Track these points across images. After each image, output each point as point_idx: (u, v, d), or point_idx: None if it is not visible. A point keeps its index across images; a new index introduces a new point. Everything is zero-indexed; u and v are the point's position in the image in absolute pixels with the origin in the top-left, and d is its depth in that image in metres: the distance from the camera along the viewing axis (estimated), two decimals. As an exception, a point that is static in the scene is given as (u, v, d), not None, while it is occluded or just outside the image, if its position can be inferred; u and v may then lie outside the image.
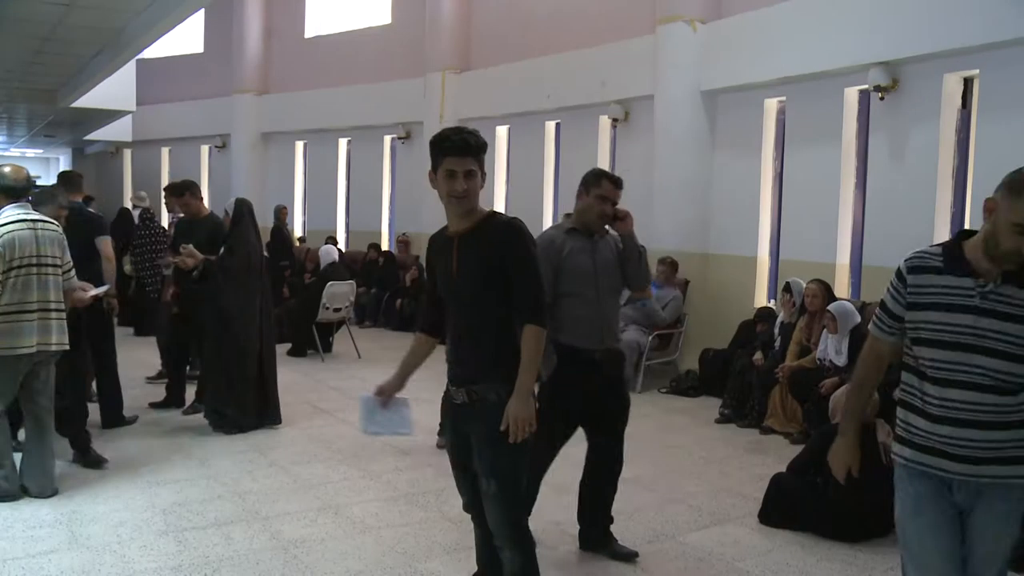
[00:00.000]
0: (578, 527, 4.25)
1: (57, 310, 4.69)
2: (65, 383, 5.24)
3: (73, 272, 4.90)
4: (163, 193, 8.44)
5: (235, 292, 6.12)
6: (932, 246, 2.56)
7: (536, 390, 3.96)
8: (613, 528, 4.23)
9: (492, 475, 2.93)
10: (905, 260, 2.56)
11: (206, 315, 6.25)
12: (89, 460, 5.29)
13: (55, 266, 4.70)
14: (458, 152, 2.86)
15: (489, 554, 3.21)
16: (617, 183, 4.05)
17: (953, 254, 2.48)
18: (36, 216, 4.74)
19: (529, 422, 2.86)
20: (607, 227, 4.09)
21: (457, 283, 2.96)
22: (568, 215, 4.17)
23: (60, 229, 4.85)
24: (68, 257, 4.85)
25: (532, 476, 4.00)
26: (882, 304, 2.62)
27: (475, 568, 3.38)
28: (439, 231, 3.11)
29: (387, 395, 3.18)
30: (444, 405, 3.29)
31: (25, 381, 4.69)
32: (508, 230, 2.92)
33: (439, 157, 2.90)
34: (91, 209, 7.50)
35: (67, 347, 4.78)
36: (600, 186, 4.00)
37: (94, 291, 5.36)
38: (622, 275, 4.10)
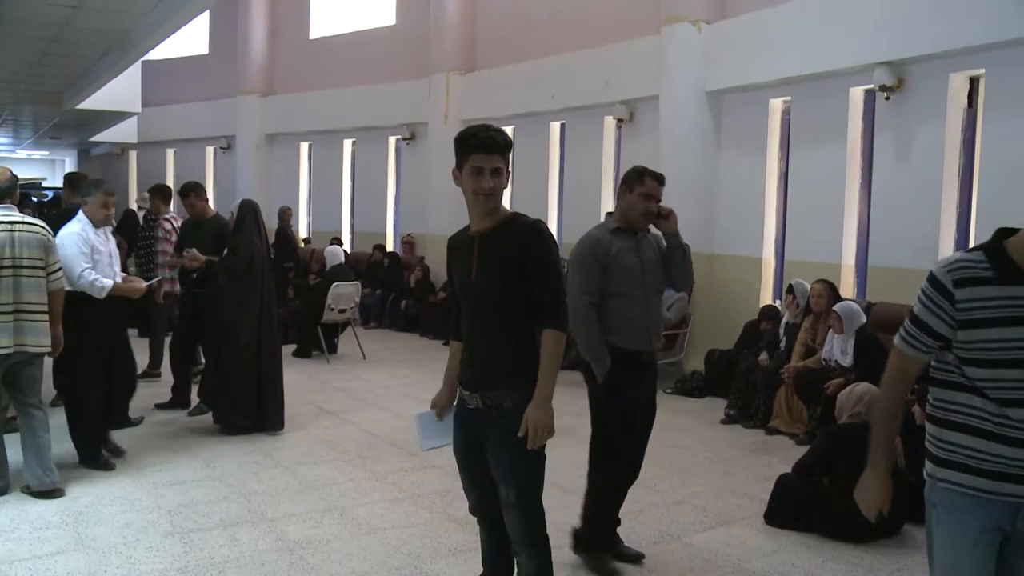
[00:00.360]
0: (583, 511, 4.20)
1: (36, 311, 4.69)
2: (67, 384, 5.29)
3: (61, 273, 4.89)
4: (148, 194, 8.38)
5: (235, 292, 6.13)
6: (970, 252, 2.25)
7: (589, 398, 3.92)
8: (619, 529, 4.22)
9: (510, 483, 2.90)
10: (947, 271, 2.22)
11: (206, 315, 6.26)
12: (98, 463, 5.30)
13: (33, 267, 4.70)
14: (485, 149, 2.82)
15: (495, 556, 3.20)
16: (660, 180, 3.95)
17: (1002, 260, 2.19)
18: (16, 217, 4.74)
19: (548, 428, 2.82)
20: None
21: (476, 284, 2.92)
22: (610, 214, 4.07)
23: (45, 231, 4.82)
24: (55, 258, 4.84)
25: (612, 483, 3.97)
26: (916, 321, 2.28)
27: (481, 570, 3.37)
28: (459, 232, 3.07)
29: (442, 407, 3.22)
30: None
31: (10, 381, 4.72)
32: (530, 231, 2.88)
33: (465, 154, 2.85)
34: None
35: (47, 349, 4.78)
36: (644, 184, 3.90)
37: (145, 283, 5.44)
38: (665, 274, 4.02)
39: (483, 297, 2.93)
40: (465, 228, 3.03)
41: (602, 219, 4.20)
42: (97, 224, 5.29)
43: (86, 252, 5.13)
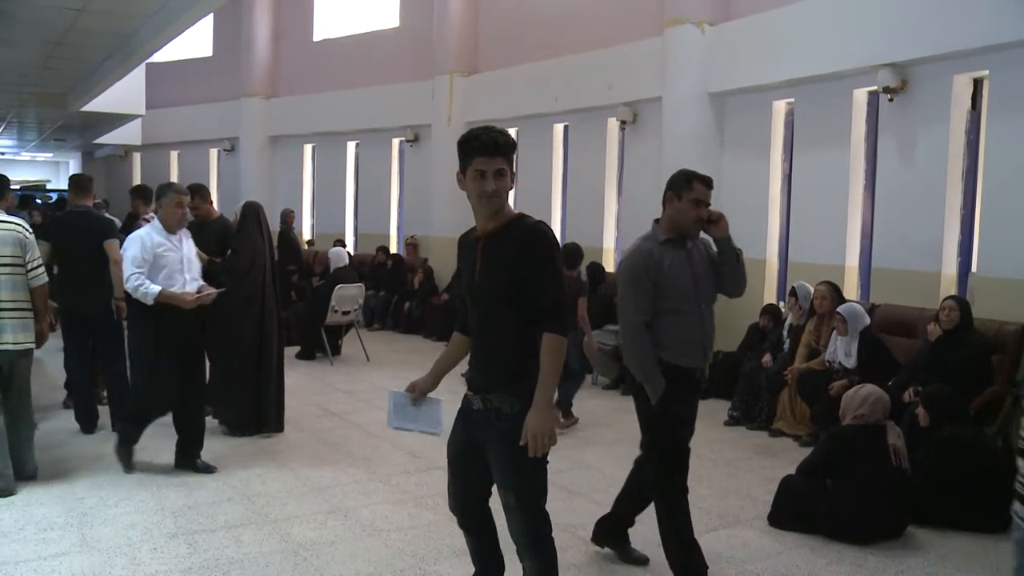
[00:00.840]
0: (596, 520, 4.18)
1: (13, 308, 4.75)
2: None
3: (42, 270, 4.94)
4: (130, 196, 8.30)
5: (237, 293, 6.14)
6: None
7: (639, 419, 3.77)
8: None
9: (510, 487, 2.90)
10: None
11: (208, 316, 6.26)
12: (128, 463, 5.27)
13: (9, 265, 4.76)
14: (487, 152, 2.80)
15: (481, 557, 3.23)
16: (709, 183, 3.75)
17: None
18: None
19: (549, 436, 2.79)
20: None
21: (478, 284, 2.92)
22: (657, 221, 3.83)
23: (22, 228, 4.88)
24: (35, 255, 4.90)
25: (681, 502, 3.79)
26: None
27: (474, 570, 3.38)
28: (468, 230, 3.06)
29: (418, 393, 3.17)
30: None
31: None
32: (532, 232, 2.86)
33: (468, 157, 2.83)
34: (107, 214, 7.58)
35: (30, 346, 4.84)
36: (693, 189, 3.68)
37: (198, 294, 5.19)
38: (716, 281, 3.81)
39: (485, 298, 2.93)
40: (475, 227, 3.01)
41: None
42: (171, 226, 5.18)
43: (139, 256, 5.02)
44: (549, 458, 2.91)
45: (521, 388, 2.84)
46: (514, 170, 2.89)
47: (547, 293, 2.83)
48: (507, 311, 2.88)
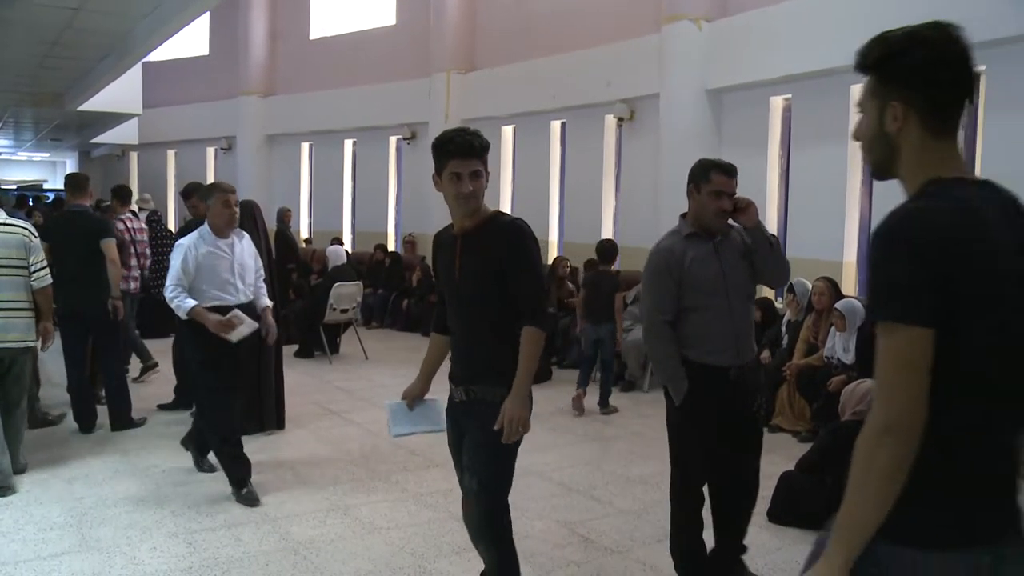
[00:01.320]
0: (670, 540, 3.74)
1: (16, 308, 4.86)
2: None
3: (46, 271, 5.02)
4: (111, 195, 8.21)
5: None
6: None
7: (667, 418, 3.63)
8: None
9: (475, 472, 2.96)
10: None
11: None
12: (246, 497, 4.78)
13: (10, 267, 4.86)
14: (463, 154, 2.86)
15: None
16: (730, 171, 3.52)
17: None
18: None
19: (524, 422, 2.85)
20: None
21: (459, 282, 2.98)
22: (683, 216, 3.63)
23: (27, 232, 4.97)
24: (37, 258, 4.98)
25: (690, 510, 3.59)
26: None
27: (483, 567, 3.38)
28: (444, 229, 3.13)
29: (412, 399, 3.25)
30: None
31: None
32: (510, 230, 2.93)
33: (443, 160, 2.90)
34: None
35: (30, 344, 4.93)
36: (712, 180, 3.46)
37: (244, 329, 4.72)
38: (753, 274, 3.59)
39: (466, 294, 2.98)
40: (450, 225, 3.08)
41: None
42: (220, 229, 4.82)
43: (179, 270, 4.68)
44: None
45: (504, 379, 2.90)
46: (488, 169, 2.95)
47: (527, 289, 2.90)
48: (488, 307, 2.94)
